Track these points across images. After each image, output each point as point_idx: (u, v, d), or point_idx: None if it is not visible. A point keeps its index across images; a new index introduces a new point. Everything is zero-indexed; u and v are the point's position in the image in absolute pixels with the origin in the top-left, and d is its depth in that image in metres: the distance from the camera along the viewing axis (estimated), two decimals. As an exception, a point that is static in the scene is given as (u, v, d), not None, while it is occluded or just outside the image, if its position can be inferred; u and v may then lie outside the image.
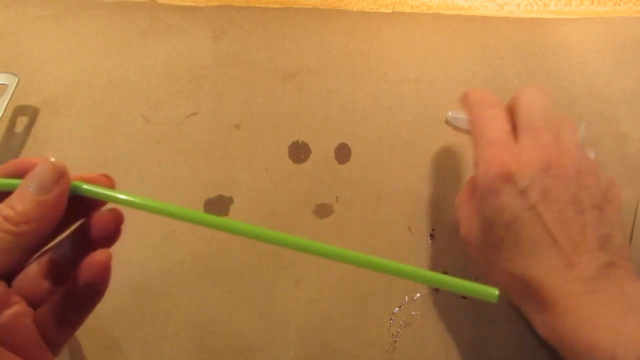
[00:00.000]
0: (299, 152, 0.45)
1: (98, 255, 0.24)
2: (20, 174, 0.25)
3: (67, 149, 0.45)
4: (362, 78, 0.48)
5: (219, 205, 0.43)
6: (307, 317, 0.40)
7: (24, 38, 0.49)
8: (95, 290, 0.25)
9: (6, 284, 0.24)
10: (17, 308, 0.24)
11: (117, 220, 0.26)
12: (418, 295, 0.40)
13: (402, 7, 0.52)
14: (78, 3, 0.51)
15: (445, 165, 0.45)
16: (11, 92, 0.44)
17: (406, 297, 0.40)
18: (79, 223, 0.27)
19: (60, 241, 0.27)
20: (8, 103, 0.43)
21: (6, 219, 0.22)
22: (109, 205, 0.27)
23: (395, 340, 0.39)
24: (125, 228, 0.27)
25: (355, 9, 0.52)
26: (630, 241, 0.41)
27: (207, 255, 0.41)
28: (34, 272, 0.26)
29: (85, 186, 0.25)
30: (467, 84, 0.48)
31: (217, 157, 0.45)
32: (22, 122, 0.46)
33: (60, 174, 0.24)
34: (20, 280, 0.25)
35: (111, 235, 0.26)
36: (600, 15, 0.52)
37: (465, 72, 0.49)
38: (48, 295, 0.25)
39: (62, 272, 0.26)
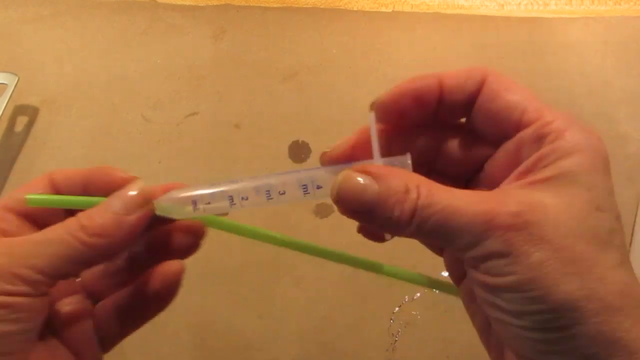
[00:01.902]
0: (299, 152, 0.45)
1: (172, 266, 0.24)
2: (106, 182, 0.24)
3: (67, 148, 0.45)
4: (362, 78, 0.48)
5: (219, 205, 0.43)
6: (307, 317, 0.40)
7: (24, 38, 0.49)
8: (163, 298, 0.25)
9: None
10: (77, 299, 0.24)
11: (198, 234, 0.26)
12: (418, 295, 0.40)
13: (402, 6, 0.52)
14: (78, 3, 0.51)
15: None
16: (11, 91, 0.44)
17: (406, 297, 0.40)
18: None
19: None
20: (8, 102, 0.43)
21: (82, 227, 0.22)
22: None
23: (395, 340, 0.39)
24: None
25: (355, 9, 0.52)
26: (631, 241, 0.41)
27: (207, 255, 0.41)
28: (99, 267, 0.25)
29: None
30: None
31: (217, 157, 0.45)
32: (22, 121, 0.46)
33: (146, 200, 0.24)
34: (84, 272, 0.25)
35: (190, 248, 0.26)
36: (601, 14, 0.52)
37: (466, 72, 0.49)
38: (109, 292, 0.25)
39: (129, 272, 0.25)
